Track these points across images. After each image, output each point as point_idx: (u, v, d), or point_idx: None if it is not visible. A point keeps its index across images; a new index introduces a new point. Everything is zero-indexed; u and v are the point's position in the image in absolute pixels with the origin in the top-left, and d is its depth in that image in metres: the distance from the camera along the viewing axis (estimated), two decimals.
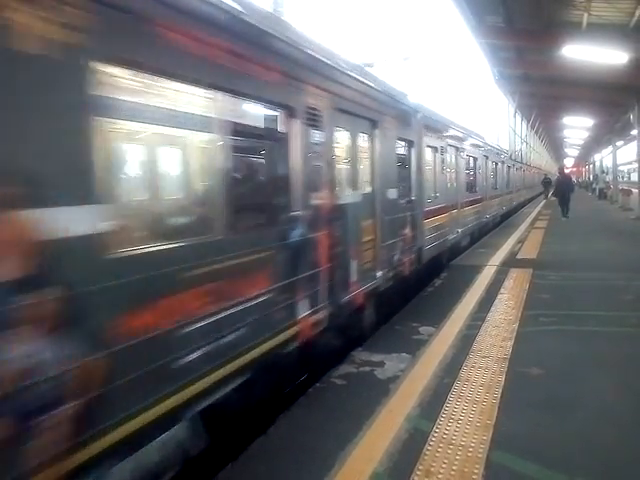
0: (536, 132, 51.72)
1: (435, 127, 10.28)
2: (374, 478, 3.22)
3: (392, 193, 7.14)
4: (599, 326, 6.18)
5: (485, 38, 18.87)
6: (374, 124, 6.54)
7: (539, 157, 62.03)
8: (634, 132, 25.02)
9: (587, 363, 5.07)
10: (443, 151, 10.74)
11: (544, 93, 27.81)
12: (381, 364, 5.16)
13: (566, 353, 5.35)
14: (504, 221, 20.73)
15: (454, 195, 11.69)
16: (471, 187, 14.44)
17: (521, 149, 41.06)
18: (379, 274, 6.52)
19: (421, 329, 6.28)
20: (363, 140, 6.41)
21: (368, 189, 6.47)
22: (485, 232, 16.42)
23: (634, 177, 66.06)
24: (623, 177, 56.66)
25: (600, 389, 4.45)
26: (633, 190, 28.68)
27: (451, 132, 11.87)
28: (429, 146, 9.65)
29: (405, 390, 4.52)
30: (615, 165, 34.62)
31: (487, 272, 9.82)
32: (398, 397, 4.38)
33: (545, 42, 17.13)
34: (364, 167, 6.51)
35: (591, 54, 16.17)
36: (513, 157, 29.98)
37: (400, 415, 4.02)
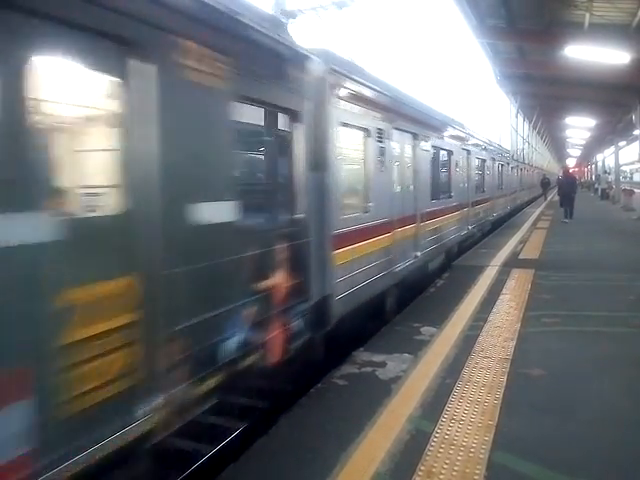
0: (538, 132, 51.69)
1: (364, 96, 6.37)
2: (376, 478, 3.21)
3: (216, 211, 3.51)
4: (601, 327, 6.17)
5: (486, 38, 18.88)
6: (139, 56, 2.81)
7: (541, 157, 61.95)
8: (636, 132, 25.00)
9: (589, 364, 5.06)
10: (383, 136, 6.85)
11: (546, 93, 27.82)
12: (383, 364, 5.15)
13: (568, 354, 5.35)
14: (496, 229, 17.85)
15: (409, 204, 8.00)
16: (442, 191, 10.58)
17: (523, 149, 41.05)
18: (149, 407, 2.84)
19: (423, 329, 6.27)
20: (77, 89, 2.73)
21: (109, 207, 2.86)
22: (468, 246, 13.51)
23: (636, 177, 66.02)
24: (625, 177, 56.56)
25: (602, 390, 4.45)
26: (635, 190, 28.66)
27: (400, 109, 7.86)
28: (349, 125, 5.87)
29: (407, 390, 4.51)
30: (617, 165, 34.60)
31: (489, 272, 9.81)
32: (400, 397, 4.37)
33: (547, 42, 17.14)
34: (85, 156, 2.95)
35: (593, 54, 16.19)
36: (509, 154, 27.51)
37: (402, 416, 4.01)
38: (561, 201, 20.60)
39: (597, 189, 41.71)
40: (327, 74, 5.22)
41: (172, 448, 3.46)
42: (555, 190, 32.53)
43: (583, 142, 53.64)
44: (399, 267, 7.36)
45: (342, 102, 5.61)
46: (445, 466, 3.30)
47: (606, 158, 51.44)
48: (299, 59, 4.74)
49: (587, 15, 14.45)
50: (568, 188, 20.32)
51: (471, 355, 5.31)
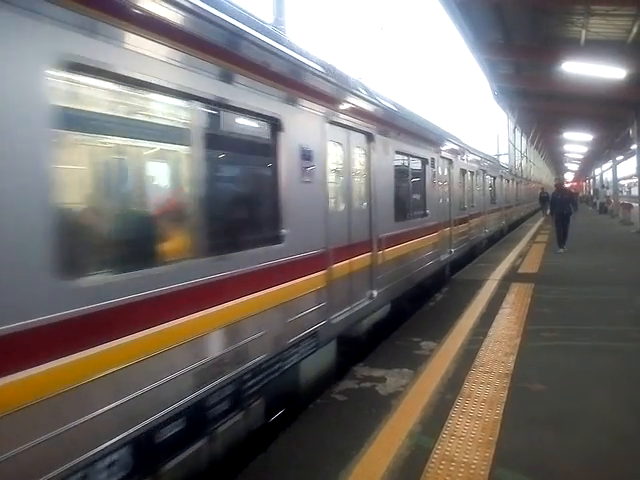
0: (536, 147, 51.98)
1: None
2: None
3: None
4: (601, 341, 6.14)
5: (484, 54, 19.09)
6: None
7: (539, 171, 62.25)
8: (634, 147, 25.15)
9: (589, 378, 5.04)
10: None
11: (543, 108, 28.05)
12: (382, 379, 5.12)
13: (568, 368, 5.32)
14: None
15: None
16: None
17: (521, 164, 41.26)
18: None
19: (422, 344, 6.24)
20: None
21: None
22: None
23: (634, 191, 66.30)
24: (623, 191, 56.75)
25: (602, 405, 4.41)
26: (633, 204, 28.73)
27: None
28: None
29: (407, 406, 4.48)
30: (615, 179, 34.74)
31: (488, 286, 9.80)
32: (400, 413, 4.34)
33: (544, 58, 17.33)
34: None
35: (590, 70, 16.36)
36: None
37: (402, 431, 3.98)
38: (555, 223, 15.80)
39: (595, 203, 41.84)
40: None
41: None
42: None
43: (581, 157, 53.93)
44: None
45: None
46: None
47: (604, 172, 51.70)
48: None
49: (583, 32, 14.64)
50: (563, 207, 15.25)
51: (471, 370, 5.28)
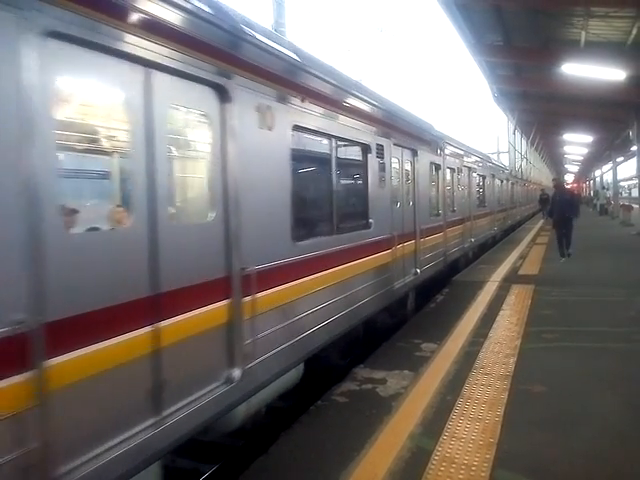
0: (536, 148, 51.99)
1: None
2: None
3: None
4: (602, 342, 6.14)
5: (484, 56, 19.10)
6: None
7: (539, 173, 62.35)
8: (634, 148, 25.16)
9: (590, 380, 5.04)
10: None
11: (543, 110, 28.07)
12: (383, 381, 5.12)
13: (569, 370, 5.32)
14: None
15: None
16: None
17: (521, 165, 41.30)
18: None
19: (423, 346, 6.25)
20: None
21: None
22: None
23: (635, 193, 66.32)
24: (623, 193, 56.77)
25: (603, 406, 4.41)
26: (634, 206, 28.72)
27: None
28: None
29: (407, 408, 4.48)
30: (615, 181, 34.75)
31: (489, 288, 9.80)
32: (400, 415, 4.34)
33: (544, 60, 17.35)
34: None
35: (590, 71, 16.37)
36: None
37: (402, 433, 3.98)
38: (555, 227, 14.13)
39: (596, 205, 41.84)
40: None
41: None
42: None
43: (581, 158, 53.93)
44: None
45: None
46: None
47: (604, 174, 51.72)
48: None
49: (583, 33, 14.66)
50: (564, 208, 13.70)
51: (472, 372, 5.28)
